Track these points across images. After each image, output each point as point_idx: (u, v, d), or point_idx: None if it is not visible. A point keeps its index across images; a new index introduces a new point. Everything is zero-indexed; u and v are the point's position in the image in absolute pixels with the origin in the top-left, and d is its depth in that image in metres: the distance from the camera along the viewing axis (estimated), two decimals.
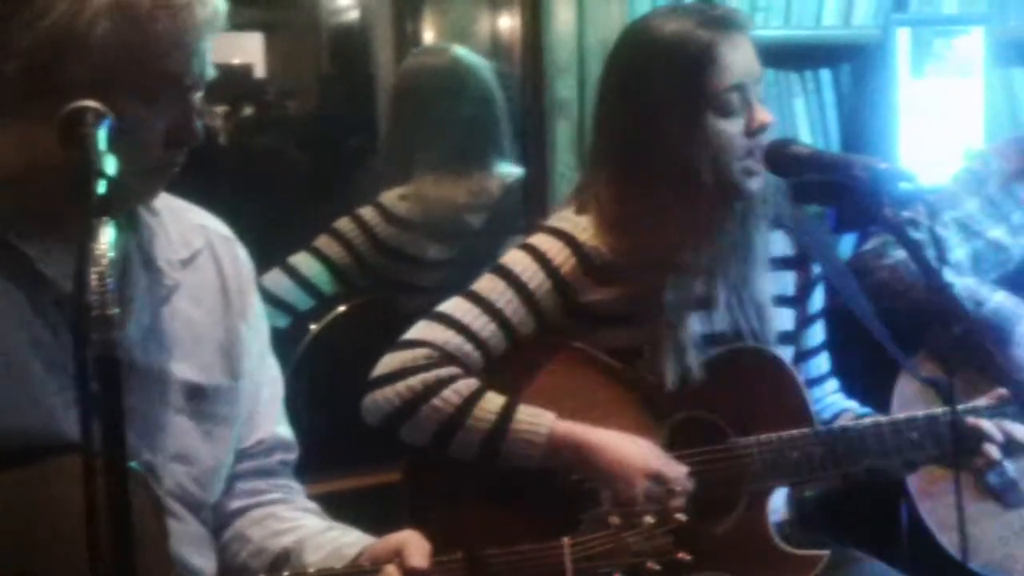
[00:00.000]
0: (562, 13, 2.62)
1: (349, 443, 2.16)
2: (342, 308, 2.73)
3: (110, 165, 1.21)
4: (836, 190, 1.88)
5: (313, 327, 2.70)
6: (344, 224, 2.74)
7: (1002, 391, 2.00)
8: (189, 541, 1.57)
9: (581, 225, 1.99)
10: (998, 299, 2.39)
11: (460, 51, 2.90)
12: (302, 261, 2.70)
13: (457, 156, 2.78)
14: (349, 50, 3.41)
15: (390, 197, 2.77)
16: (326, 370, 2.51)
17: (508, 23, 3.00)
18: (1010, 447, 1.95)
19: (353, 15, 3.45)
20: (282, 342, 1.84)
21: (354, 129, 3.28)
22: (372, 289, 2.75)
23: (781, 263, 2.08)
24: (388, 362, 1.93)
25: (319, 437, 1.89)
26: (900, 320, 2.29)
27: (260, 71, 3.24)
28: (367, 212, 2.75)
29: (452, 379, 1.90)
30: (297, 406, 1.79)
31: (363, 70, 3.34)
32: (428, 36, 3.37)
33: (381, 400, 1.91)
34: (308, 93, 3.46)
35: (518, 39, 2.78)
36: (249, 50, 3.19)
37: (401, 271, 2.76)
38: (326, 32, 3.47)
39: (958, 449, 1.95)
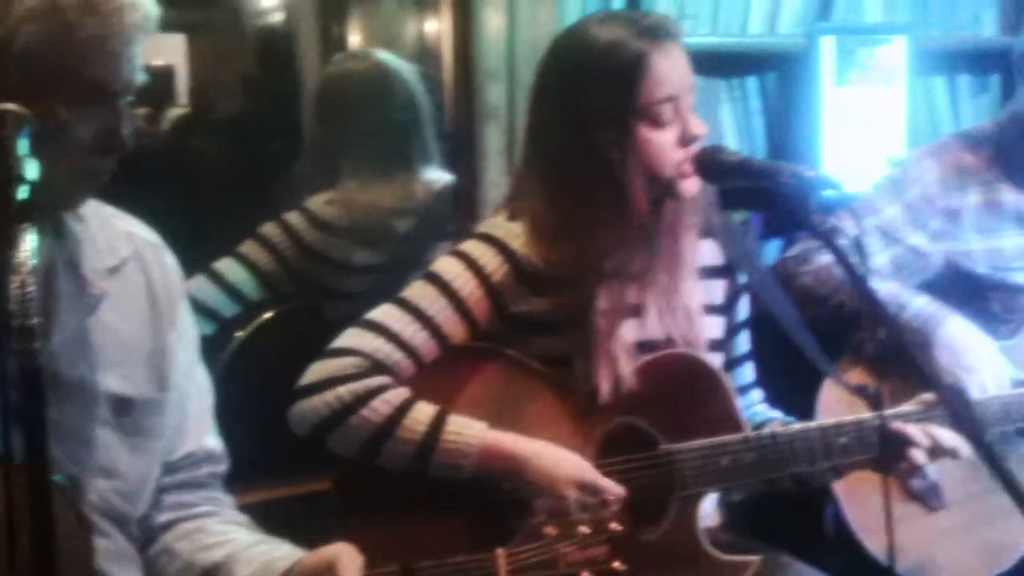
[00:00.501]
0: (491, 17, 2.61)
1: (277, 452, 2.13)
2: (268, 315, 2.70)
3: (31, 170, 1.18)
4: (763, 196, 1.89)
5: (239, 334, 2.66)
6: (270, 229, 2.71)
7: (927, 396, 2.03)
8: (115, 557, 1.53)
9: (514, 232, 1.98)
10: (919, 303, 2.43)
11: (384, 56, 2.89)
12: (227, 267, 2.65)
13: (383, 161, 2.77)
14: (274, 53, 3.37)
15: (316, 202, 2.75)
16: (252, 378, 2.47)
17: (435, 27, 2.98)
18: (936, 452, 1.97)
19: (278, 17, 3.41)
20: (207, 349, 1.80)
21: (279, 133, 3.23)
22: (298, 295, 2.73)
23: (710, 272, 2.09)
24: (316, 371, 1.90)
25: (245, 446, 1.86)
26: (823, 326, 2.31)
27: (182, 73, 3.18)
28: (293, 217, 2.73)
29: (382, 389, 1.88)
30: (223, 415, 1.76)
31: (288, 73, 3.30)
32: (354, 39, 3.34)
33: (308, 410, 1.88)
34: (232, 96, 3.41)
35: (446, 43, 2.76)
36: (171, 52, 3.14)
37: (328, 277, 2.73)
38: (250, 34, 3.42)
39: (886, 454, 1.98)
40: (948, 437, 1.96)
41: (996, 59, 3.19)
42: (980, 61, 3.21)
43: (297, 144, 3.04)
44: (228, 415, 1.80)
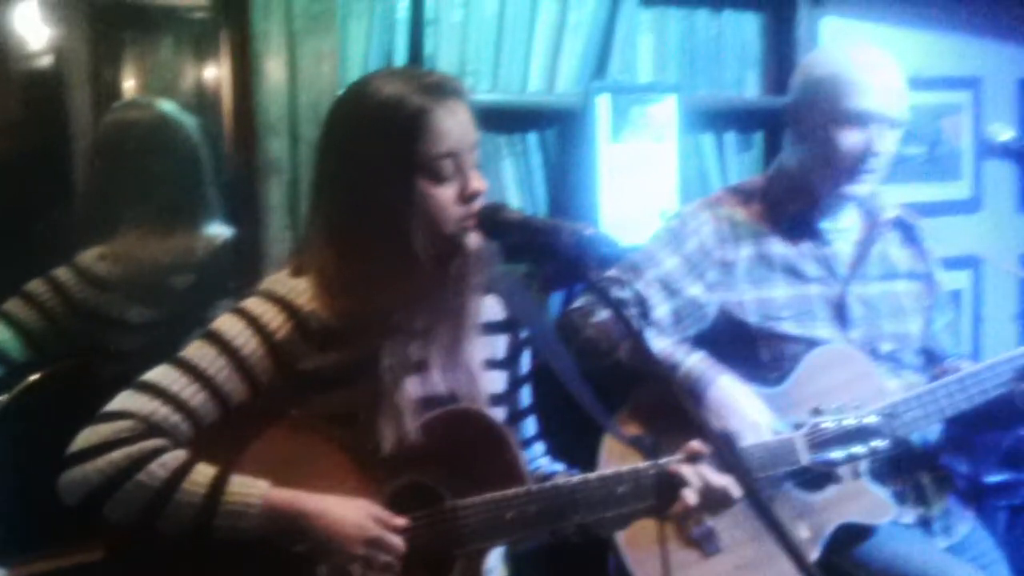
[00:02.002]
0: (272, 70, 2.58)
1: (47, 521, 2.02)
2: (35, 376, 2.57)
3: None
4: (544, 252, 1.93)
5: (2, 398, 2.52)
6: (36, 286, 2.59)
7: (695, 444, 2.08)
8: None
9: (297, 288, 1.95)
10: (692, 362, 2.49)
11: (166, 106, 2.81)
12: None
13: (162, 215, 2.70)
14: (42, 97, 3.22)
15: (88, 257, 2.65)
16: (18, 444, 2.35)
17: (214, 76, 2.93)
18: (707, 492, 2.03)
19: (47, 60, 3.27)
20: None
21: (46, 181, 3.09)
22: (69, 355, 2.61)
23: (493, 327, 2.11)
24: (87, 436, 1.82)
25: (12, 517, 1.76)
26: (608, 378, 2.37)
27: None
28: (62, 273, 2.62)
29: (158, 452, 1.81)
30: None
31: (57, 119, 3.16)
32: (128, 85, 3.24)
33: (80, 478, 1.79)
34: None
35: (225, 94, 2.71)
36: None
37: (101, 335, 2.63)
38: (16, 77, 3.27)
39: (662, 498, 2.03)
40: (717, 477, 2.02)
41: (759, 118, 3.37)
42: (744, 120, 3.37)
43: (66, 194, 2.91)
44: None
